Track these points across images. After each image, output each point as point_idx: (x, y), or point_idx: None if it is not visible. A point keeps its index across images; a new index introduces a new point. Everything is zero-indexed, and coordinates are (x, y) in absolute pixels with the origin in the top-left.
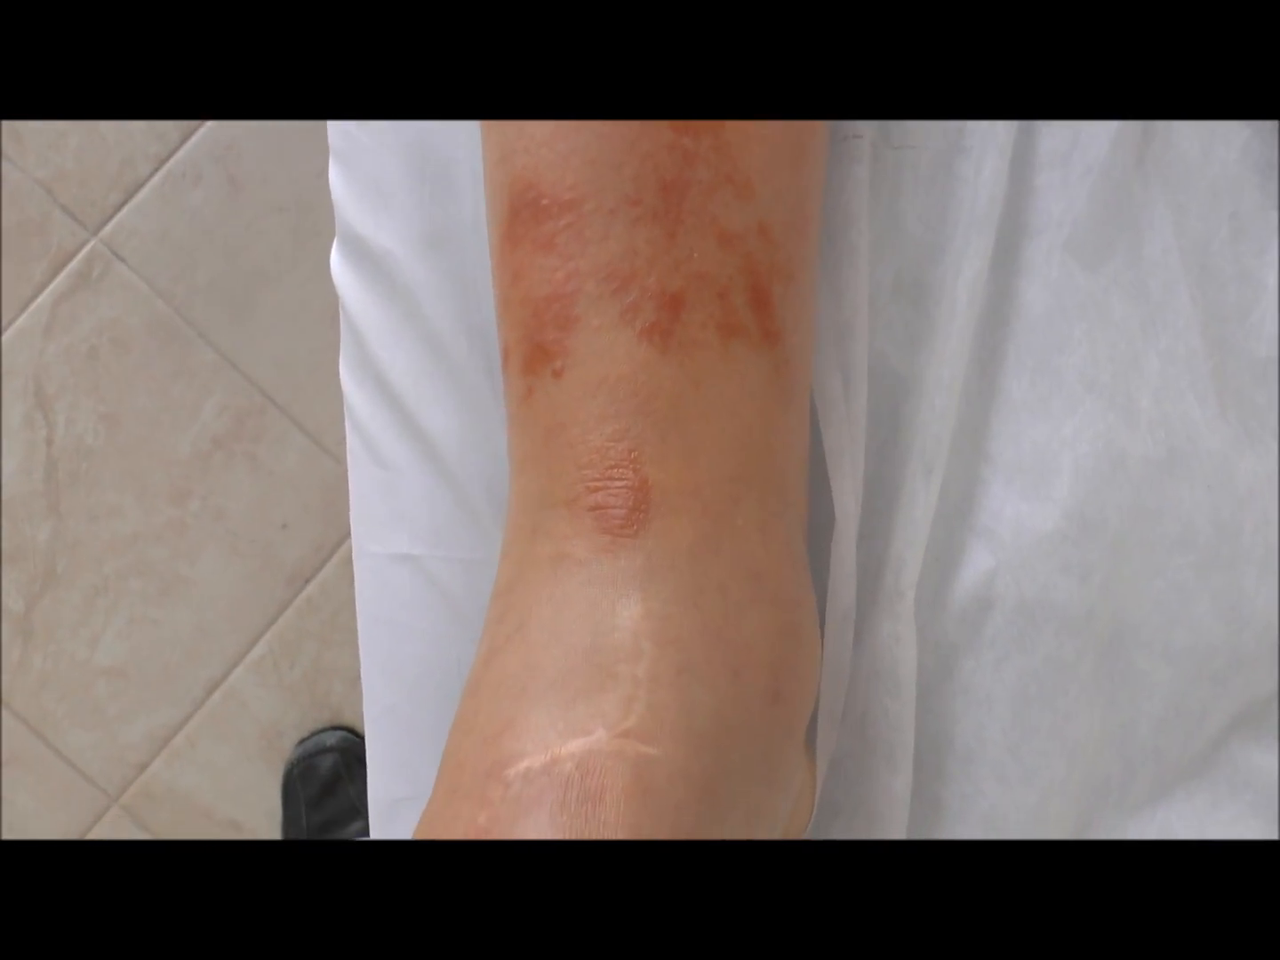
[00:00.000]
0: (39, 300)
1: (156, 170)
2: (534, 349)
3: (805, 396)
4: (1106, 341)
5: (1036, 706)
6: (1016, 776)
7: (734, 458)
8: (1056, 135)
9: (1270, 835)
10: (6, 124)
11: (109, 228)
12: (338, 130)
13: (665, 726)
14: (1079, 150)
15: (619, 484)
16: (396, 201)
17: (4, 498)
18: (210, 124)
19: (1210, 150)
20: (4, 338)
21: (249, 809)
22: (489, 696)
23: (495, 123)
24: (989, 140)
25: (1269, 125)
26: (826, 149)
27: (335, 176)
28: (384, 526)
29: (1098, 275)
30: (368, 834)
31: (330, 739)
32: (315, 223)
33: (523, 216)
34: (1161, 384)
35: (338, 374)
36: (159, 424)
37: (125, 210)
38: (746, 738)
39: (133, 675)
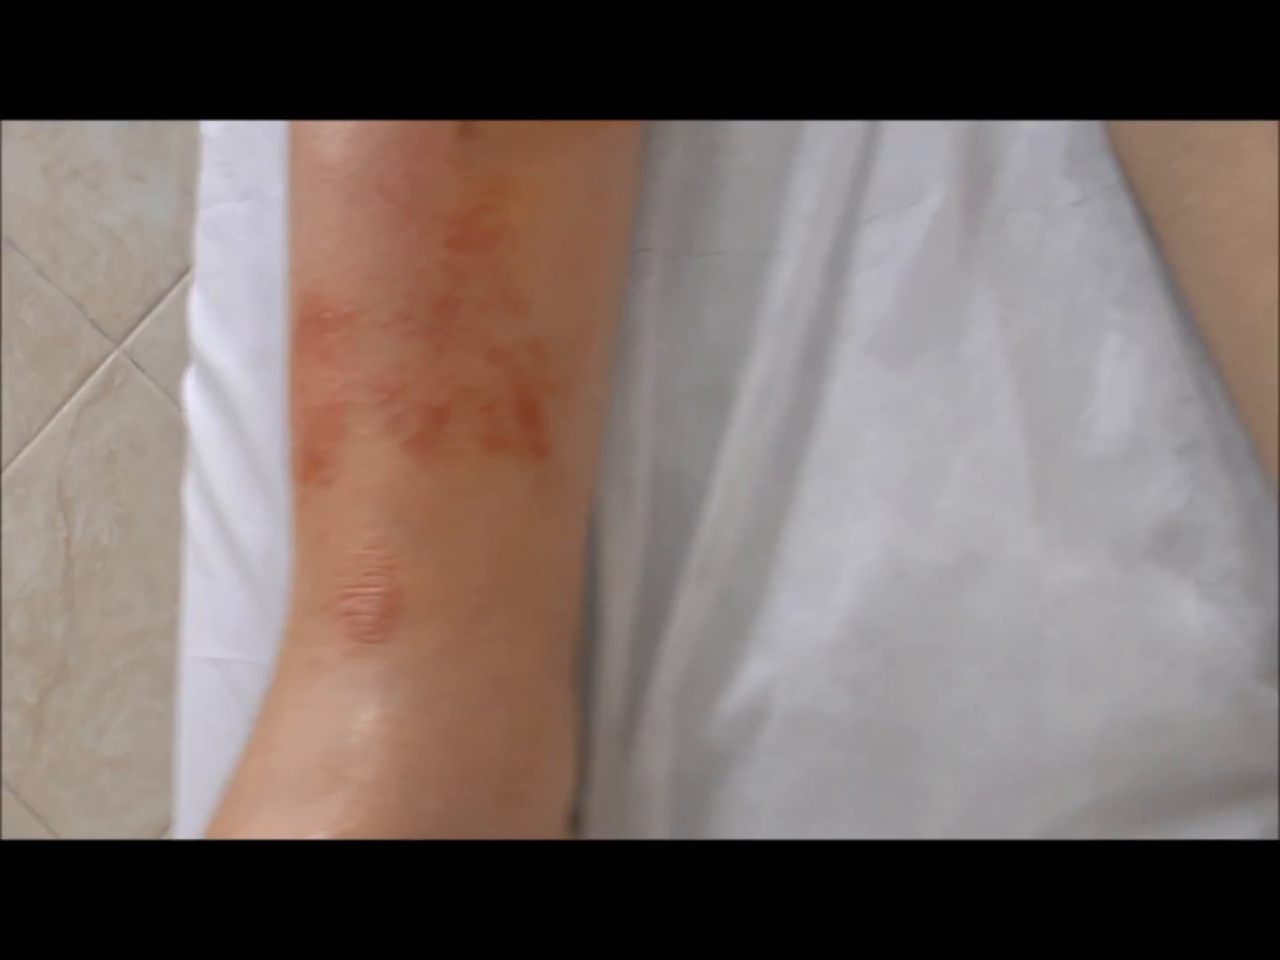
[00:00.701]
0: (65, 408)
1: (176, 282)
2: (308, 458)
3: (580, 508)
4: (905, 444)
5: (799, 819)
6: None
7: (488, 567)
8: (877, 235)
9: None
10: (44, 245)
11: (131, 338)
12: (201, 253)
13: (385, 829)
14: (896, 249)
15: (371, 590)
16: (236, 319)
17: (25, 595)
18: None
19: (1044, 243)
20: (34, 444)
21: None
22: (230, 800)
23: (295, 237)
24: (802, 243)
25: (1104, 217)
26: (620, 261)
27: (194, 298)
28: (201, 630)
29: (904, 376)
30: None
31: None
32: None
33: (308, 329)
34: (966, 487)
35: None
36: (170, 524)
37: (146, 321)
38: (476, 838)
39: (135, 765)
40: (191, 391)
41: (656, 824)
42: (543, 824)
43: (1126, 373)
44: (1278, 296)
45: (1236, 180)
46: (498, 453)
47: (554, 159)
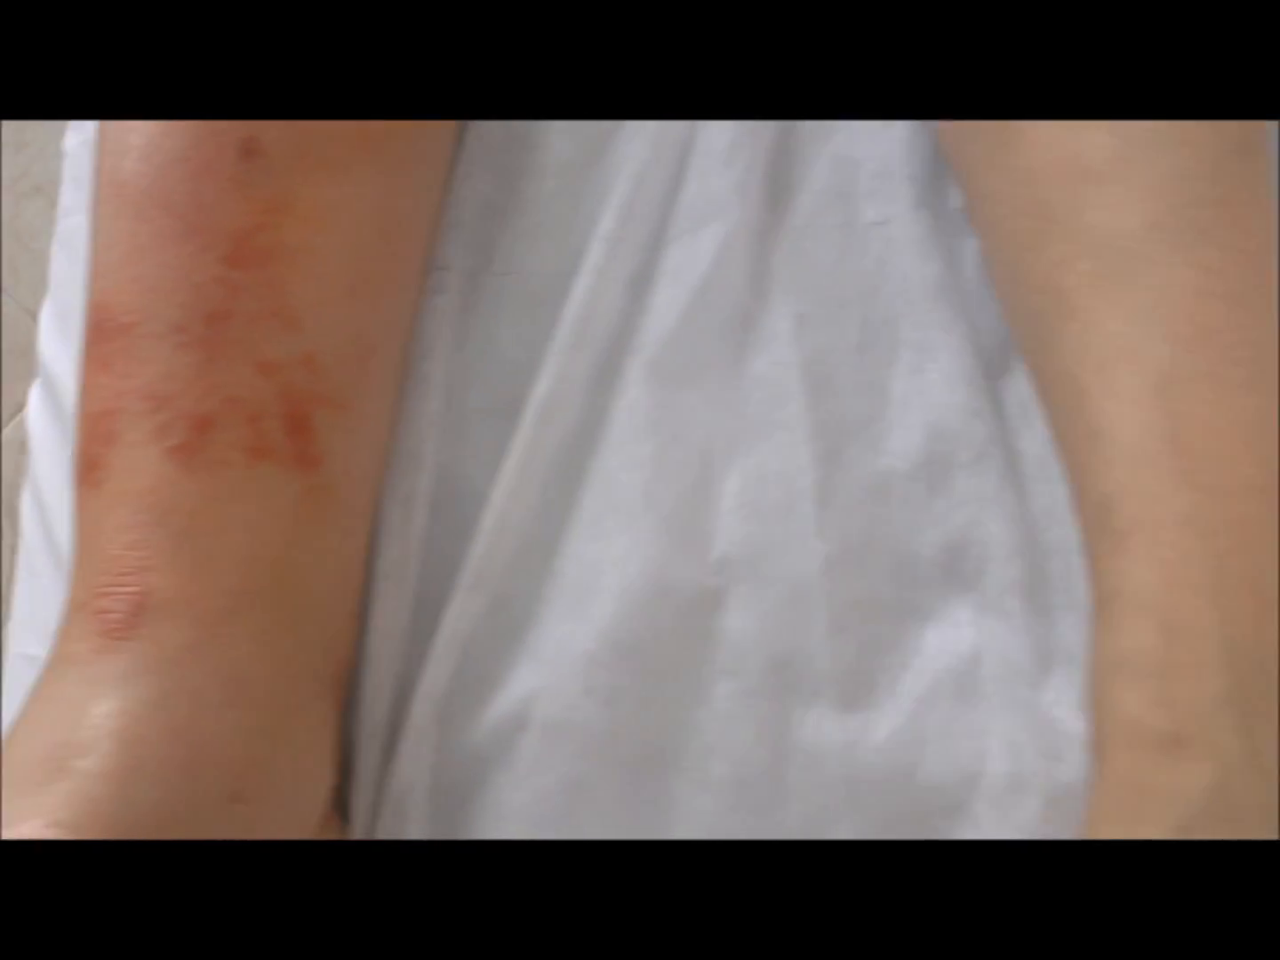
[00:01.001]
0: (19, 418)
1: None
2: (85, 462)
3: (356, 519)
4: (678, 461)
5: (548, 827)
6: None
7: (242, 571)
8: (676, 255)
9: None
10: (5, 259)
11: None
12: (55, 264)
13: (99, 820)
14: (688, 269)
15: (124, 590)
16: (74, 329)
17: None
18: None
19: (843, 261)
20: None
21: None
22: None
23: (92, 249)
24: (597, 263)
25: (903, 238)
26: (410, 281)
27: (45, 309)
28: (24, 628)
29: (685, 393)
30: None
31: None
32: None
33: (94, 336)
34: (738, 505)
35: None
36: None
37: None
38: (199, 834)
39: None
40: (34, 400)
41: (414, 826)
42: (277, 822)
43: (919, 388)
44: (1054, 277)
45: (1017, 162)
46: (262, 462)
47: (336, 180)
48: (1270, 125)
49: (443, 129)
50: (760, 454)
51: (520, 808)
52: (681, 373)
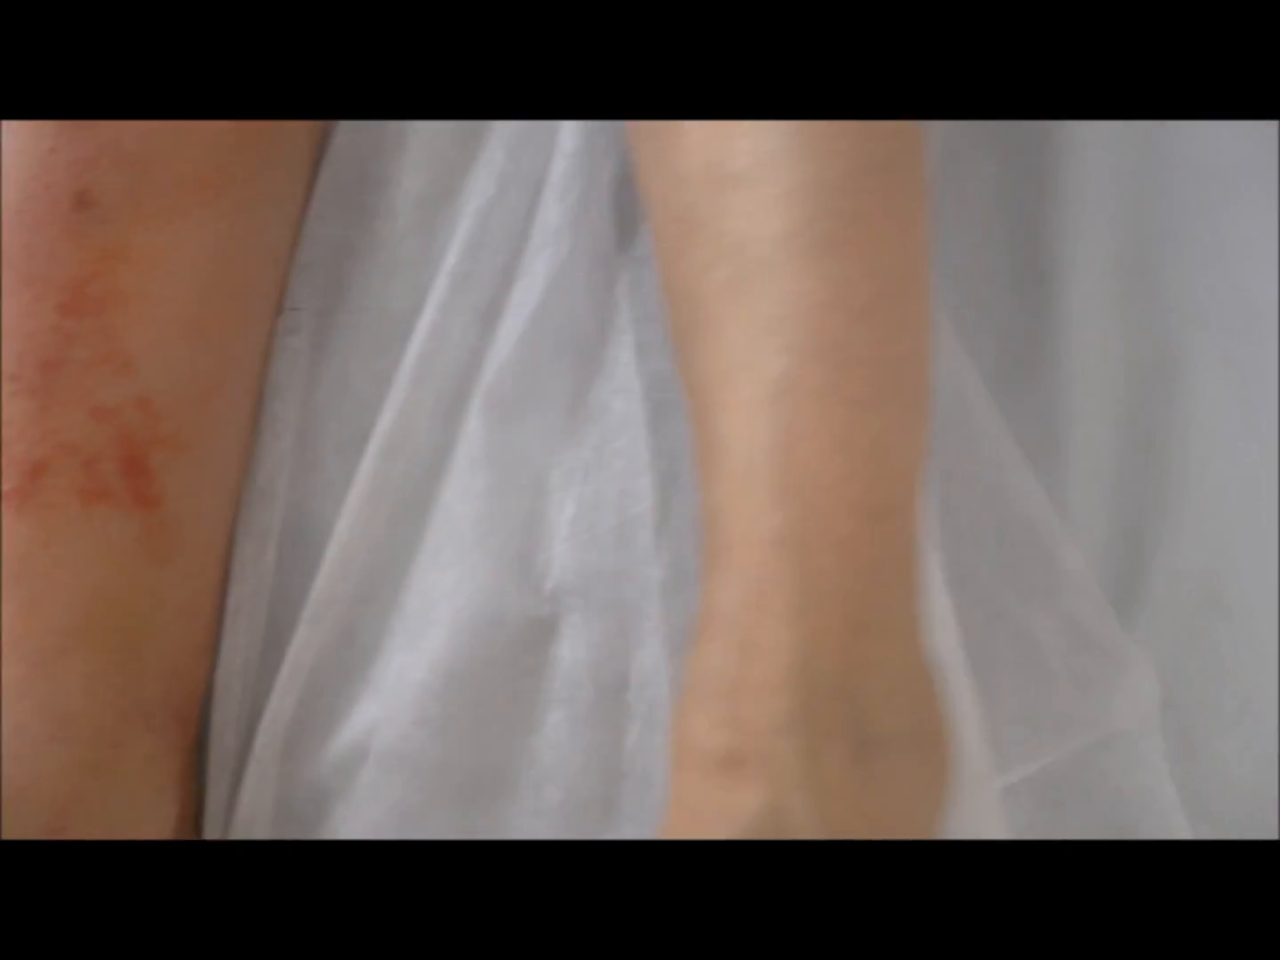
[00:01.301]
0: None
1: None
2: None
3: (202, 555)
4: (513, 491)
5: None
6: None
7: (74, 610)
8: (531, 286)
9: None
10: None
11: None
12: None
13: None
14: (526, 300)
15: None
16: None
17: None
18: None
19: None
20: None
21: None
22: None
23: None
24: (442, 298)
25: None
26: (253, 322)
27: None
28: None
29: (523, 423)
30: None
31: None
32: None
33: None
34: (572, 533)
35: None
36: None
37: None
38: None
39: None
40: None
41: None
42: None
43: None
44: (694, 284)
45: (672, 165)
46: (97, 504)
47: (173, 226)
48: (919, 146)
49: (289, 171)
50: (597, 482)
51: (356, 839)
52: (519, 404)
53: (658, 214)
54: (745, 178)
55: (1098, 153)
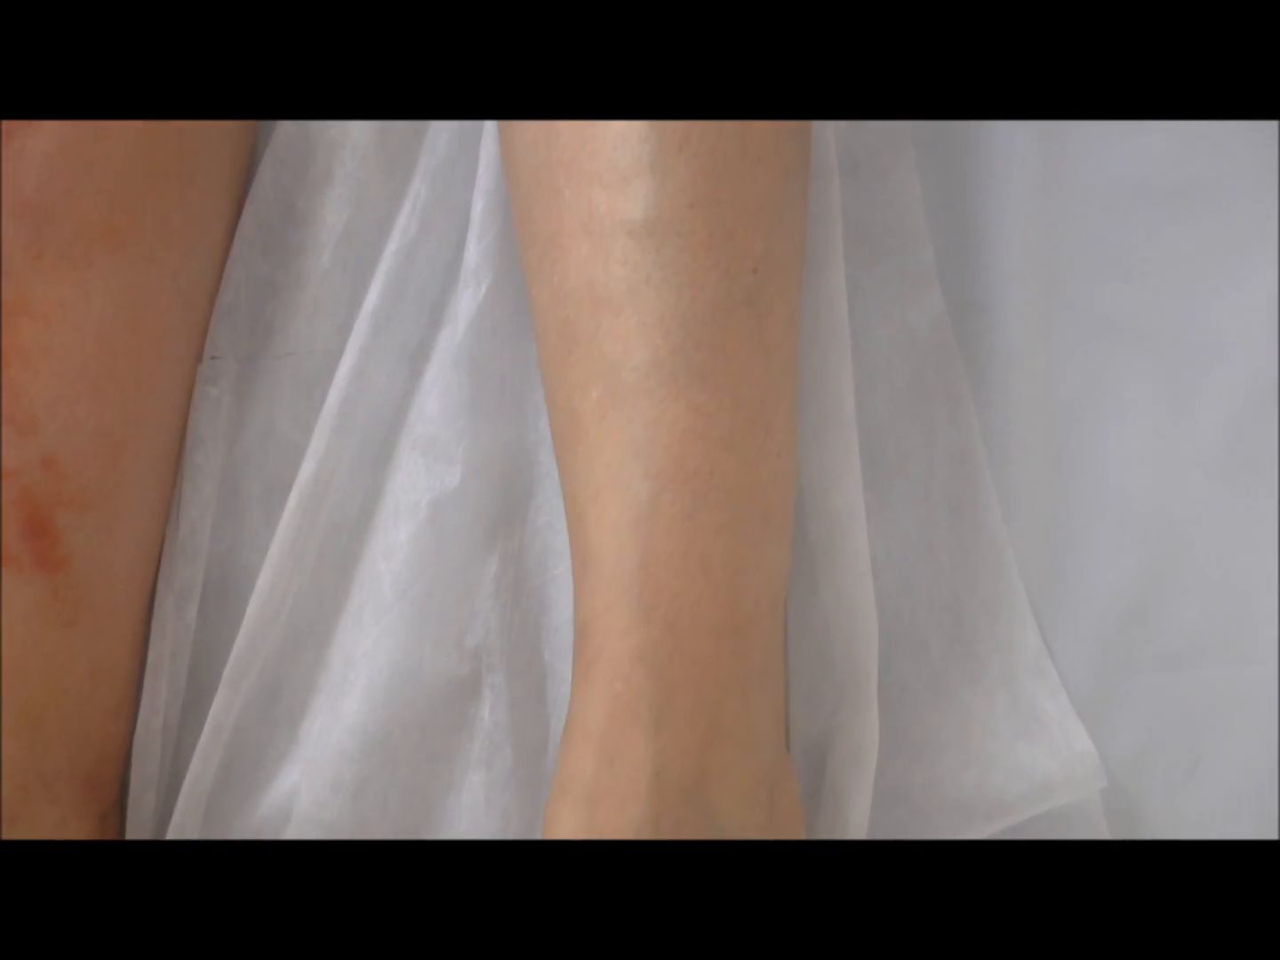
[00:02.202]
0: None
1: None
2: None
3: (113, 616)
4: (435, 545)
5: None
6: None
7: None
8: (454, 329)
9: None
10: None
11: None
12: None
13: None
14: (450, 341)
15: None
16: None
17: None
18: None
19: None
20: None
21: None
22: None
23: None
24: (363, 341)
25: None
26: (165, 373)
27: None
28: None
29: (450, 472)
30: None
31: None
32: None
33: None
34: (496, 590)
35: None
36: None
37: None
38: None
39: None
40: None
41: None
42: None
43: None
44: (571, 399)
45: (556, 276)
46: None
47: (75, 276)
48: (790, 279)
49: (205, 211)
50: (520, 536)
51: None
52: (447, 452)
53: (541, 321)
54: (619, 303)
55: (1015, 180)
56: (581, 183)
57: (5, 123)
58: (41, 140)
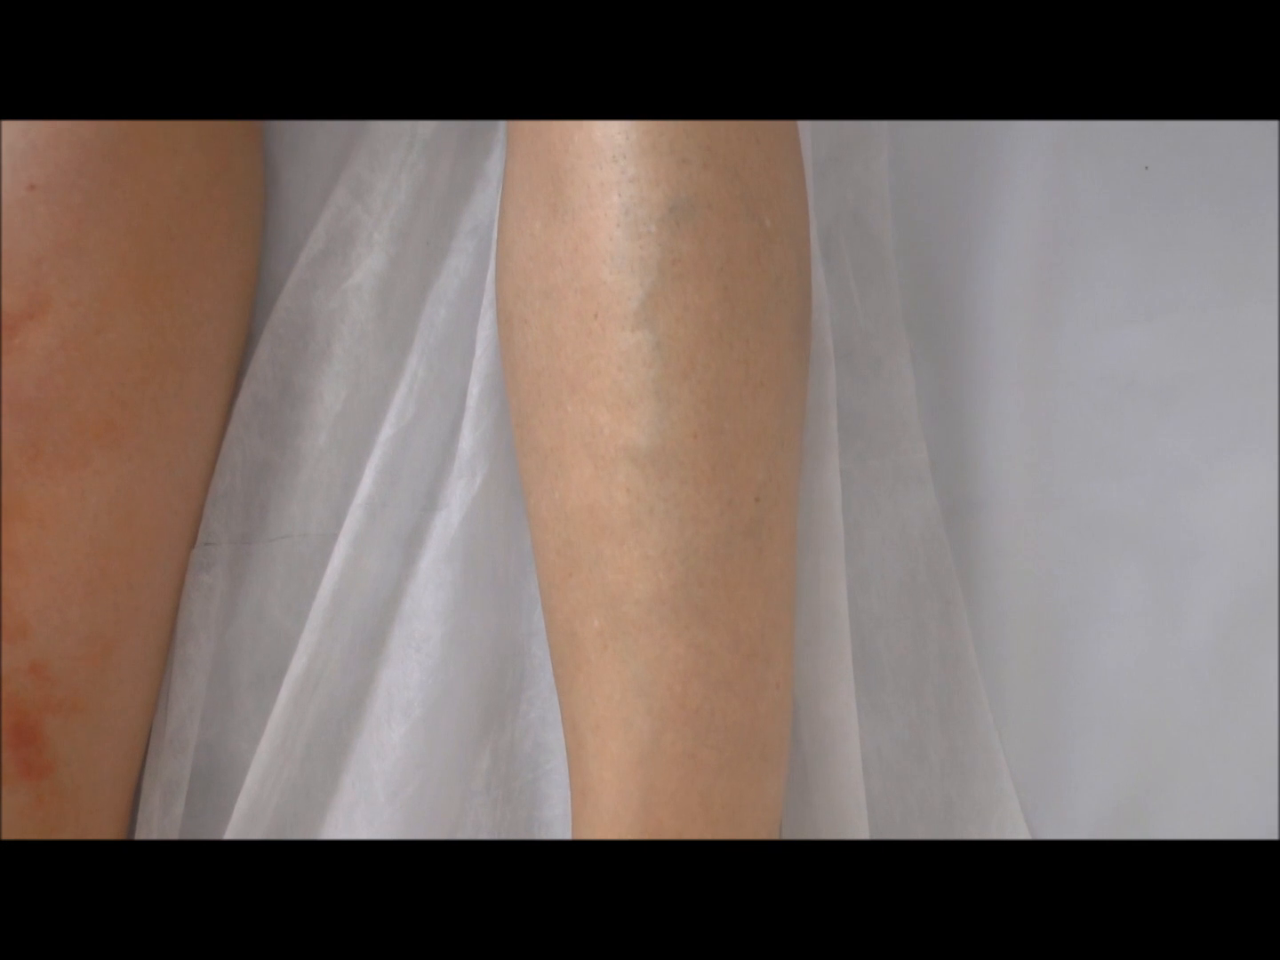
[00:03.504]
0: None
1: None
2: None
3: (99, 815)
4: (424, 747)
5: None
6: None
7: None
8: (449, 517)
9: None
10: None
11: None
12: None
13: None
14: (445, 532)
15: None
16: None
17: None
18: None
19: None
20: None
21: None
22: None
23: None
24: (356, 529)
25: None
26: (158, 568)
27: None
28: None
29: (442, 673)
30: None
31: None
32: None
33: None
34: (486, 786)
35: None
36: None
37: None
38: None
39: None
40: None
41: None
42: None
43: None
44: (572, 623)
45: (558, 493)
46: None
47: (72, 476)
48: (787, 505)
49: (202, 398)
50: (513, 730)
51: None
52: (441, 649)
53: (540, 535)
54: (622, 533)
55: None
56: (585, 400)
57: (7, 316)
58: (44, 334)
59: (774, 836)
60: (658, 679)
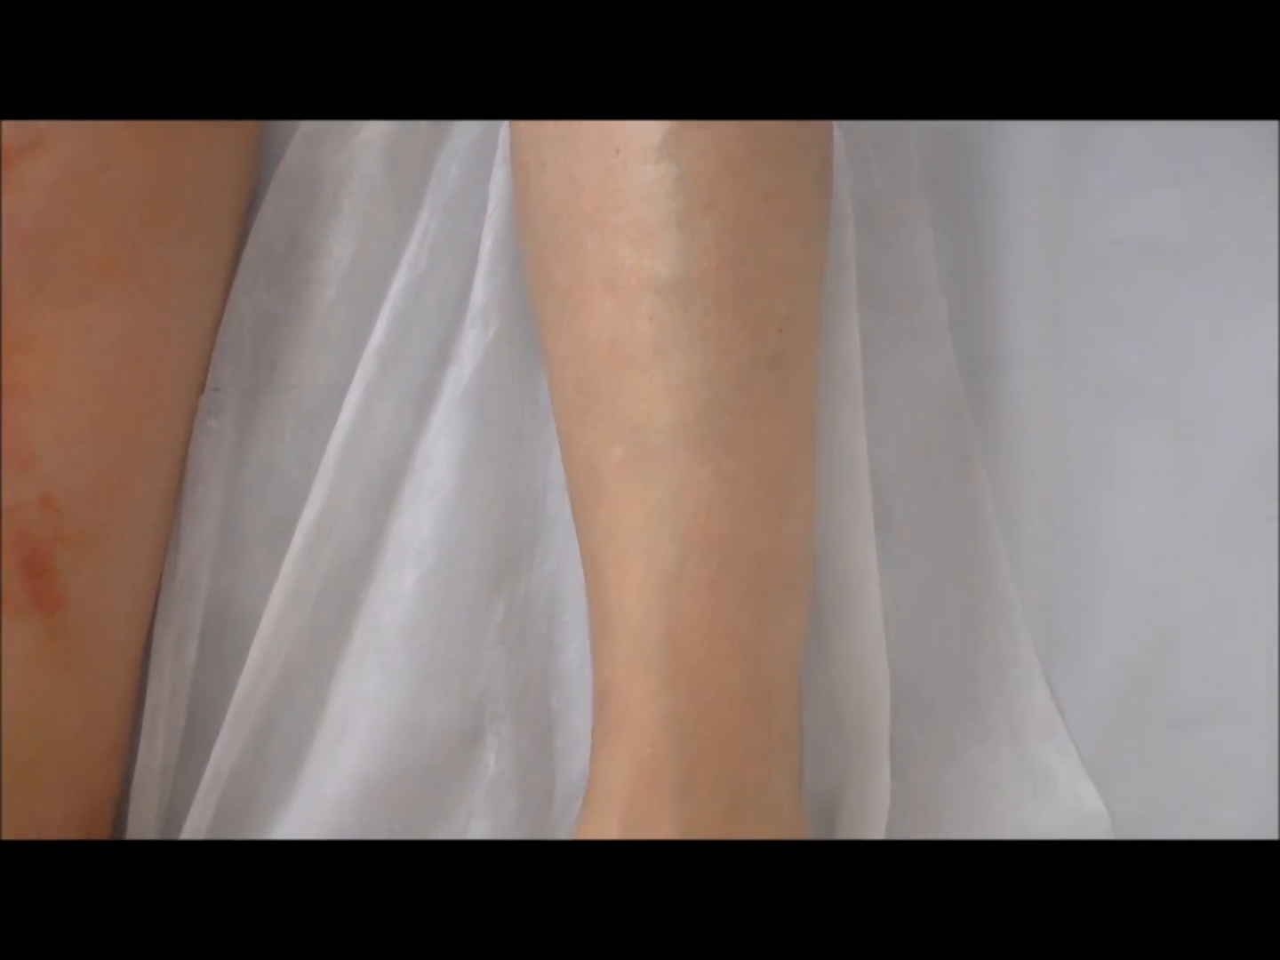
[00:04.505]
0: None
1: None
2: None
3: (111, 656)
4: (440, 593)
5: None
6: None
7: None
8: (461, 369)
9: None
10: None
11: None
12: None
13: None
14: (458, 382)
15: None
16: None
17: None
18: None
19: None
20: None
21: None
22: None
23: None
24: (369, 378)
25: None
26: (166, 408)
27: None
28: None
29: (458, 518)
30: None
31: None
32: None
33: None
34: (500, 638)
35: None
36: None
37: None
38: None
39: None
40: None
41: None
42: None
43: None
44: (592, 457)
45: (576, 329)
46: None
47: (77, 310)
48: (810, 338)
49: (208, 244)
50: (528, 582)
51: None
52: (453, 497)
53: (557, 373)
54: (645, 363)
55: (1024, 235)
56: (606, 236)
57: (6, 149)
58: (44, 168)
59: (796, 672)
60: (682, 505)
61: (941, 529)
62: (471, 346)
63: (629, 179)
